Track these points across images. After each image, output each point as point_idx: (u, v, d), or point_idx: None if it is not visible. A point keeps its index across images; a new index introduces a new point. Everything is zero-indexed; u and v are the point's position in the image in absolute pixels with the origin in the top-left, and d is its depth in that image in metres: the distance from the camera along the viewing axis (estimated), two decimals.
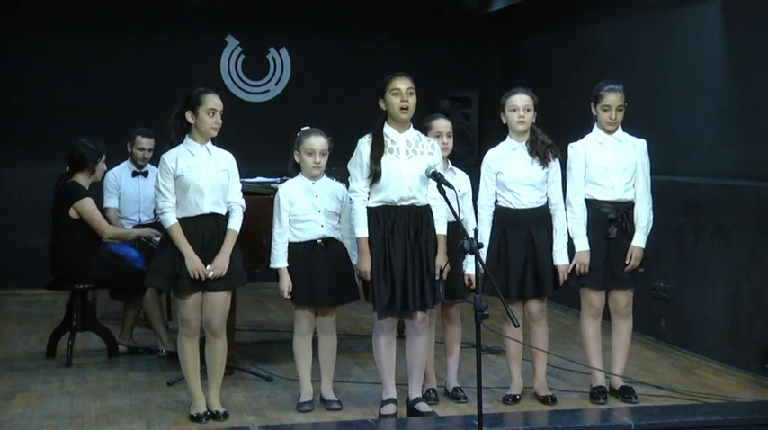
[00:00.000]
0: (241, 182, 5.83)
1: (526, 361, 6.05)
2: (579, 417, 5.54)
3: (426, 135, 5.72)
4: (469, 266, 5.78)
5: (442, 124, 5.89)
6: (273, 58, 10.63)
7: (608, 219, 5.86)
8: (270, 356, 7.08)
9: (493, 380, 6.36)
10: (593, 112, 5.94)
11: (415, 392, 5.64)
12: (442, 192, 5.25)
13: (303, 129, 5.84)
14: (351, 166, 5.55)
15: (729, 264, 6.79)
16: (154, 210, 7.97)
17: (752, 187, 6.68)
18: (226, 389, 5.93)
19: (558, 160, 5.86)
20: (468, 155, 10.02)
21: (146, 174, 8.09)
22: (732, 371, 6.65)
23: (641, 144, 5.96)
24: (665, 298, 7.46)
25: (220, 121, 5.56)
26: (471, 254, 5.04)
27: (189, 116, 5.55)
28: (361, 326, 8.20)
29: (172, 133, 5.62)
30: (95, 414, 5.76)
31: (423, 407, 5.61)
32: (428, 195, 5.48)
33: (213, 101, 5.53)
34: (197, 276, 5.47)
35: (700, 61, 7.41)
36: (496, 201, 5.88)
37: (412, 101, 5.50)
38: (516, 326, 5.13)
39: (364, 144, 5.52)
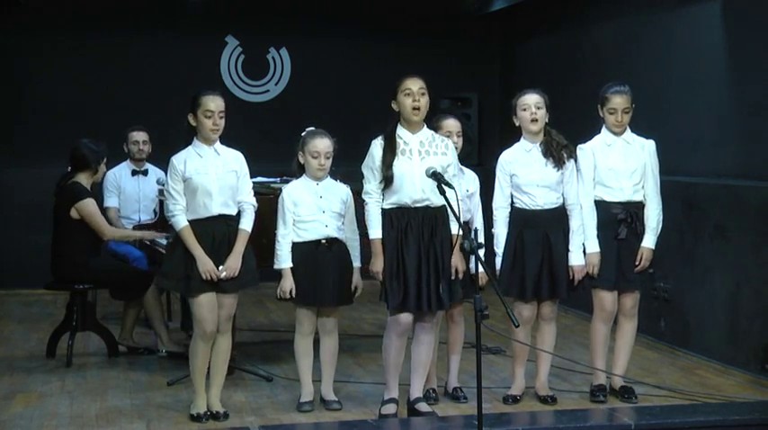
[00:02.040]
0: None
1: (530, 361, 6.05)
2: (579, 417, 5.54)
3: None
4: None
5: (452, 124, 5.89)
6: (273, 58, 10.63)
7: (617, 220, 5.86)
8: (270, 356, 7.08)
9: (493, 380, 6.36)
10: (600, 114, 5.94)
11: (417, 392, 5.64)
12: (442, 193, 5.24)
13: (308, 130, 5.83)
14: (364, 168, 5.54)
15: (729, 264, 6.79)
16: (154, 209, 8.01)
17: (752, 187, 6.68)
18: (226, 389, 5.92)
19: (573, 160, 5.85)
20: (468, 155, 9.97)
21: (145, 173, 8.11)
22: (732, 371, 6.65)
23: (650, 145, 5.96)
24: (665, 298, 7.46)
25: (219, 123, 5.51)
26: (471, 254, 5.03)
27: (191, 118, 5.54)
28: (361, 326, 8.19)
29: (186, 134, 5.62)
30: (95, 414, 5.76)
31: (423, 407, 5.61)
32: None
33: (210, 103, 5.49)
34: (209, 277, 5.46)
35: (700, 61, 7.41)
36: (512, 202, 5.88)
37: (424, 101, 5.49)
38: (516, 327, 5.12)
39: (377, 146, 5.50)
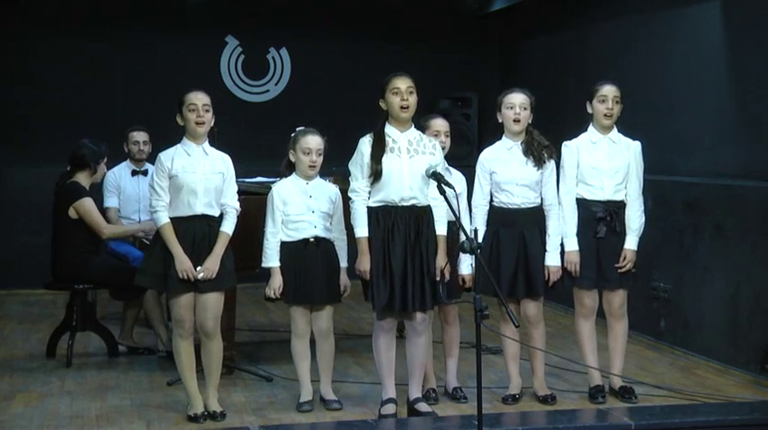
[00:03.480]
0: (240, 182, 5.82)
1: (525, 360, 6.05)
2: (579, 417, 5.54)
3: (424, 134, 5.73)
4: (463, 266, 5.78)
5: (440, 123, 5.90)
6: (273, 58, 10.63)
7: (597, 218, 5.86)
8: (270, 356, 7.08)
9: (493, 380, 6.36)
10: (589, 110, 5.93)
11: (415, 392, 5.64)
12: (442, 192, 5.25)
13: (298, 129, 5.84)
14: (351, 166, 5.55)
15: (729, 264, 6.79)
16: None
17: (752, 187, 6.68)
18: (225, 389, 5.93)
19: (553, 161, 5.85)
20: (467, 155, 10.02)
21: (145, 173, 8.09)
22: (732, 371, 6.65)
23: (636, 146, 5.95)
24: (665, 298, 7.46)
25: (204, 116, 5.51)
26: (471, 254, 5.03)
27: (179, 119, 5.57)
28: (361, 326, 8.20)
29: (181, 137, 5.63)
30: (95, 414, 5.76)
31: (423, 407, 5.61)
32: (428, 195, 5.47)
33: (193, 97, 5.51)
34: (186, 277, 5.46)
35: (700, 61, 7.41)
36: (491, 200, 5.88)
37: (412, 99, 5.49)
38: (516, 327, 5.12)
39: (365, 143, 5.52)
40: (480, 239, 5.78)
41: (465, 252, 4.96)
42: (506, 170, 5.81)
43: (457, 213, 5.18)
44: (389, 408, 5.59)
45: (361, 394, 6.13)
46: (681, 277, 7.30)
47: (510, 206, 5.82)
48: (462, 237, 4.95)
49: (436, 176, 5.33)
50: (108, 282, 7.11)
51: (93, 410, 5.83)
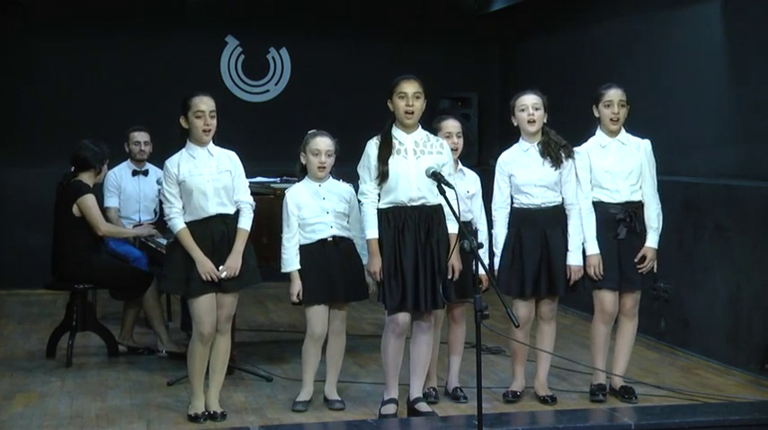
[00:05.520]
0: None
1: (530, 361, 6.05)
2: (579, 417, 5.54)
3: (436, 136, 5.73)
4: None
5: (452, 124, 5.90)
6: (273, 58, 10.63)
7: (616, 220, 5.86)
8: (270, 356, 7.08)
9: (493, 380, 6.37)
10: (596, 114, 5.94)
11: (417, 392, 5.64)
12: (442, 193, 5.24)
13: (310, 132, 5.85)
14: (360, 169, 5.56)
15: (729, 264, 6.79)
16: (154, 209, 8.01)
17: (752, 187, 6.68)
18: (226, 389, 5.93)
19: (571, 160, 5.85)
20: (468, 155, 9.98)
21: (146, 173, 8.11)
22: (732, 371, 6.65)
23: (646, 144, 5.95)
24: (665, 298, 7.46)
25: (211, 122, 5.50)
26: (471, 254, 5.03)
27: (183, 121, 5.55)
28: (361, 326, 8.19)
29: (180, 138, 5.62)
30: (95, 414, 5.76)
31: (423, 407, 5.61)
32: (438, 194, 5.45)
33: (200, 103, 5.48)
34: (209, 279, 5.46)
35: (700, 61, 7.42)
36: (511, 201, 5.88)
37: (418, 104, 5.49)
38: (516, 327, 5.12)
39: (372, 146, 5.52)
40: (502, 241, 5.82)
41: (466, 252, 4.95)
42: (524, 172, 5.82)
43: (457, 213, 5.18)
44: (390, 408, 5.59)
45: (362, 394, 6.13)
46: (681, 277, 7.30)
47: (530, 206, 5.82)
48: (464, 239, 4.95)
49: (436, 176, 5.32)
50: (108, 282, 7.12)
51: (93, 410, 5.83)
